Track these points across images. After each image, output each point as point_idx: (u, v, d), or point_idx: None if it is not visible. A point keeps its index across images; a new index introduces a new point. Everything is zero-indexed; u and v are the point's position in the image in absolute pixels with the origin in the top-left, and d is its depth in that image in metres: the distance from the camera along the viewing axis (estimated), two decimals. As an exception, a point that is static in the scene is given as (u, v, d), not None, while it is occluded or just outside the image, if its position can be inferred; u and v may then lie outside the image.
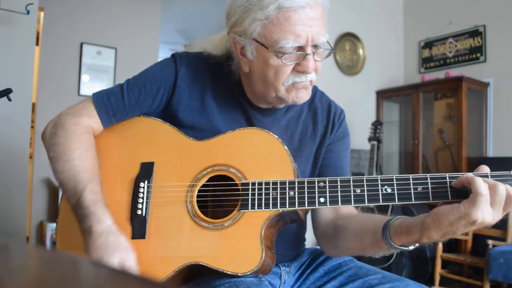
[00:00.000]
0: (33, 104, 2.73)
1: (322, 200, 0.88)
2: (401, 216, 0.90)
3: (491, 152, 3.85)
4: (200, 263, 0.88)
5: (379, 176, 0.87)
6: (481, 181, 0.77)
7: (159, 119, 1.03)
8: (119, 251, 0.85)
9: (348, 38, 4.19)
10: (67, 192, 0.93)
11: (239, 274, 0.86)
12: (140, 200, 0.94)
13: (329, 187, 0.88)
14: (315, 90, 1.14)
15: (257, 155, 0.94)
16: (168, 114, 1.04)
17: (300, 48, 0.92)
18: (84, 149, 0.97)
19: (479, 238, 3.07)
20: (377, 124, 3.69)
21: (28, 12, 2.08)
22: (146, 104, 1.03)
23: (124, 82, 1.05)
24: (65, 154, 0.95)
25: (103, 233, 0.86)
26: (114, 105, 1.01)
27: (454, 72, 4.03)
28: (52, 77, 3.49)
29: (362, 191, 0.86)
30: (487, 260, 2.68)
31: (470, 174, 0.80)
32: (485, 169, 0.83)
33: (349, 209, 1.08)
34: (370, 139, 3.67)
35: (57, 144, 0.97)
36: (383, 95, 4.31)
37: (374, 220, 0.94)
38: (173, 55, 1.08)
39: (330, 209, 1.08)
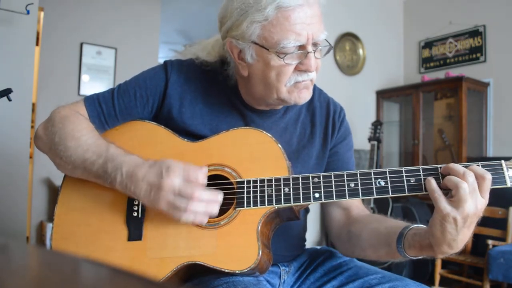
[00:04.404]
0: (33, 104, 2.73)
1: (317, 195, 0.89)
2: (412, 226, 0.91)
3: (491, 152, 3.85)
4: (197, 262, 0.88)
5: (372, 170, 0.88)
6: (458, 181, 0.79)
7: (153, 123, 1.03)
8: (170, 160, 0.85)
9: (348, 38, 4.19)
10: (86, 161, 0.91)
11: (237, 272, 0.86)
12: (136, 202, 0.94)
13: (323, 182, 0.89)
14: (313, 88, 1.13)
15: (251, 154, 0.94)
16: (160, 121, 1.04)
17: (301, 47, 0.92)
18: (91, 129, 0.97)
19: (479, 238, 3.07)
20: (377, 124, 3.68)
21: (28, 12, 2.08)
22: (136, 111, 1.03)
23: (116, 87, 1.05)
24: (75, 131, 0.94)
25: (144, 162, 0.87)
26: (105, 111, 1.01)
27: (454, 72, 4.03)
28: (52, 77, 3.49)
29: (356, 185, 0.88)
30: (487, 260, 2.68)
31: (450, 178, 0.82)
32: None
33: (359, 210, 1.08)
34: (370, 139, 3.67)
35: (62, 129, 0.95)
36: (383, 95, 4.31)
37: (388, 231, 0.94)
38: (165, 62, 1.07)
39: (341, 213, 1.09)
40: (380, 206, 3.36)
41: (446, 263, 3.29)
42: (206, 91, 1.05)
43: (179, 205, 0.82)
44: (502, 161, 0.84)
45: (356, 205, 1.09)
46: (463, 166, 0.82)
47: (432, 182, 0.82)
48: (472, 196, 0.79)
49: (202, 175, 0.84)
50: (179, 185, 0.82)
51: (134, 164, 0.87)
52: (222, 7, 0.98)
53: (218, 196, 0.85)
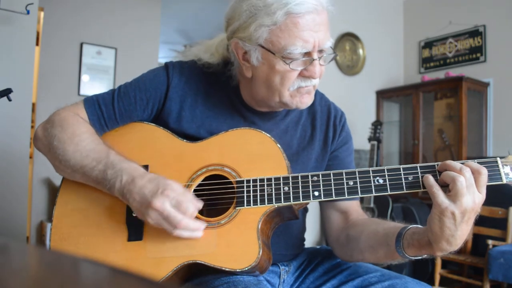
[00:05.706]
0: (33, 104, 2.73)
1: (316, 193, 0.89)
2: (411, 225, 0.91)
3: (491, 152, 3.85)
4: (197, 261, 0.88)
5: (370, 168, 0.89)
6: (454, 175, 0.81)
7: (153, 124, 1.03)
8: (171, 182, 0.87)
9: (348, 38, 4.19)
10: (86, 166, 0.92)
11: (237, 271, 0.86)
12: None
13: (323, 180, 0.90)
14: (315, 92, 1.13)
15: (251, 153, 0.95)
16: (160, 123, 1.04)
17: (307, 54, 0.92)
18: (91, 133, 0.97)
19: (479, 238, 3.07)
20: (377, 124, 3.68)
21: (28, 12, 2.08)
22: (136, 114, 1.03)
23: (116, 88, 1.04)
24: (75, 136, 0.94)
25: (146, 173, 0.89)
26: (105, 115, 1.01)
27: (454, 72, 4.03)
28: (52, 77, 3.49)
29: (355, 183, 0.88)
30: (487, 260, 2.68)
31: (447, 173, 0.83)
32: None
33: (358, 214, 1.08)
34: (370, 139, 3.67)
35: (61, 132, 0.95)
36: (383, 95, 4.31)
37: (386, 231, 0.94)
38: (166, 64, 1.06)
39: (340, 217, 1.09)
40: (380, 206, 3.36)
41: (446, 263, 3.29)
42: (207, 93, 1.05)
43: (166, 228, 0.85)
44: (498, 158, 0.86)
45: (355, 209, 1.08)
46: (459, 163, 0.84)
47: (430, 178, 0.84)
48: (469, 190, 0.80)
49: (193, 208, 0.86)
50: (168, 211, 0.84)
51: (134, 174, 0.88)
52: (230, 8, 0.98)
53: (202, 226, 0.88)
